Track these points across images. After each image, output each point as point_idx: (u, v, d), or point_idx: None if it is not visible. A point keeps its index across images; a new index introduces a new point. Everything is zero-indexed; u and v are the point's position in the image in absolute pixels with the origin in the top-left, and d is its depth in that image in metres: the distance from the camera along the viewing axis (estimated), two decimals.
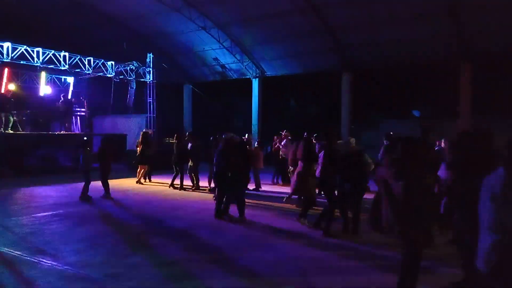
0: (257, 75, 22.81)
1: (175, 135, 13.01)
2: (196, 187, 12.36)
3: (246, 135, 12.73)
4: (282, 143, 12.95)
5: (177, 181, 12.45)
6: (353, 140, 8.90)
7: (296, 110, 23.65)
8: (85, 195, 10.13)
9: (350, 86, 20.32)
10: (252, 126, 22.77)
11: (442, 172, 6.80)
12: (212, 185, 12.08)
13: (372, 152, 8.62)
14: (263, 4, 17.37)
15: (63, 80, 20.37)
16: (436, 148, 9.03)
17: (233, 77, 23.96)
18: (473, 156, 4.14)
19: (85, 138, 10.94)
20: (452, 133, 9.26)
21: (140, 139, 13.68)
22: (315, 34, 18.33)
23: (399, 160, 4.11)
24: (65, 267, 5.28)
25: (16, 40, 15.15)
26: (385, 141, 8.59)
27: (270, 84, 23.07)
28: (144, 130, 14.85)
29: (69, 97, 19.45)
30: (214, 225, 7.81)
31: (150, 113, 20.05)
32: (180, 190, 12.17)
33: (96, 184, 10.52)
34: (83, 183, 10.22)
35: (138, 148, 13.59)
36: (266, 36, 19.94)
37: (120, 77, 18.79)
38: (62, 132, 17.43)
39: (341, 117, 20.32)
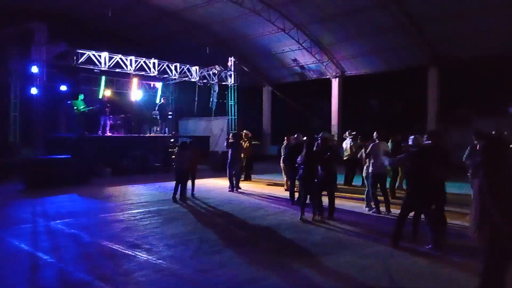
0: (337, 74, 22.44)
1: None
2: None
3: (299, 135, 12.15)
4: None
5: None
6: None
7: (378, 109, 22.82)
8: (175, 195, 10.64)
9: (437, 82, 19.25)
10: (331, 127, 22.45)
11: None
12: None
13: (463, 151, 8.07)
14: (342, 0, 17.06)
15: (152, 85, 21.69)
16: None
17: (312, 78, 23.83)
18: None
19: (185, 141, 11.46)
20: None
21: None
22: (398, 28, 17.60)
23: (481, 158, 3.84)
24: (159, 261, 5.66)
25: (112, 50, 16.47)
26: (475, 141, 7.82)
27: (350, 83, 22.56)
28: (245, 131, 15.14)
29: (158, 101, 20.64)
30: (296, 225, 7.85)
31: (231, 115, 20.64)
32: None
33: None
34: (174, 182, 10.83)
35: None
36: (346, 34, 19.55)
37: (204, 81, 19.56)
38: (152, 135, 18.64)
39: (427, 114, 19.30)
